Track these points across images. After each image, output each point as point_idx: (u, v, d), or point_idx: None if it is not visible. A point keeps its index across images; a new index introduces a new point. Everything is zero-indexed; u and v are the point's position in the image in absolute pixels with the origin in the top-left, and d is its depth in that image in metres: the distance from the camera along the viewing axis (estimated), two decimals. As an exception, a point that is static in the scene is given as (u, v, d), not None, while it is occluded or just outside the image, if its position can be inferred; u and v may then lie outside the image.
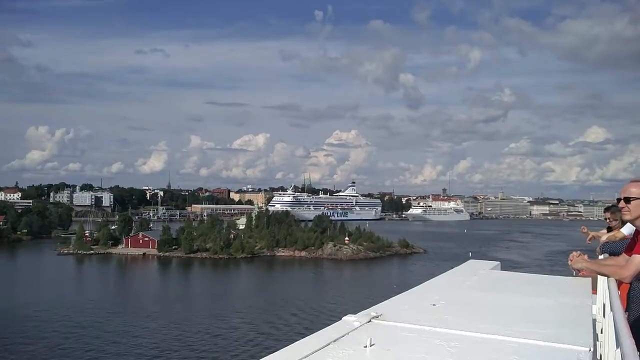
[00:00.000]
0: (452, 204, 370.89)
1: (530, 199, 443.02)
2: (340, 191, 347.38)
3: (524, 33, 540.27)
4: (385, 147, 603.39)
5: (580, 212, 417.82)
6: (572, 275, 5.67)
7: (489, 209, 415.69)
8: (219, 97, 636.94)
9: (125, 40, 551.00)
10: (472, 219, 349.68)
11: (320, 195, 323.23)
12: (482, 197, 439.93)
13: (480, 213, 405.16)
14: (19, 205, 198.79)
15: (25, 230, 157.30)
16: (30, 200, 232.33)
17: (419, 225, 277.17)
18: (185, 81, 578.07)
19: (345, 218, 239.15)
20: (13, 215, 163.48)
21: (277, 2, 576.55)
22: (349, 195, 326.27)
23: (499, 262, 6.60)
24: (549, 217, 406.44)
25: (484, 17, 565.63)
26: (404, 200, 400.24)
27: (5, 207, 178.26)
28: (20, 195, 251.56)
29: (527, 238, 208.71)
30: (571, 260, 5.48)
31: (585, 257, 5.52)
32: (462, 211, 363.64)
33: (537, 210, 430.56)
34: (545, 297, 4.59)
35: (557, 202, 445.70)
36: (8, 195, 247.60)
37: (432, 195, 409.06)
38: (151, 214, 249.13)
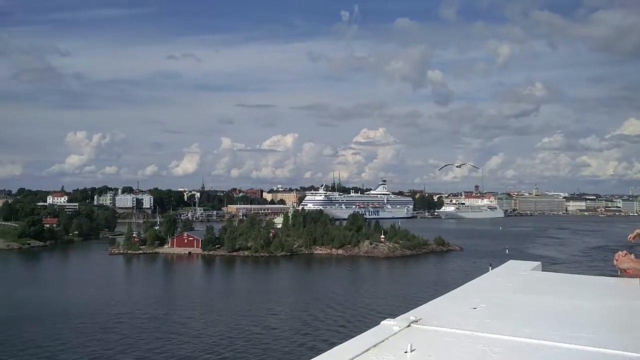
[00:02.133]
0: (485, 201, 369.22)
1: (566, 195, 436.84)
2: (370, 190, 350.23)
3: (554, 26, 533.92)
4: (414, 145, 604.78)
5: (619, 207, 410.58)
6: (618, 275, 5.32)
7: (523, 205, 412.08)
8: (249, 99, 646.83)
9: (158, 46, 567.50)
10: (506, 216, 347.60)
11: (352, 194, 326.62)
12: (515, 193, 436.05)
13: (514, 210, 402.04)
14: (67, 208, 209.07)
15: (76, 232, 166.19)
16: (77, 203, 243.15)
17: (453, 223, 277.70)
18: (216, 84, 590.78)
19: (377, 216, 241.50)
20: (65, 217, 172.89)
21: (304, 4, 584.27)
22: (380, 194, 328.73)
23: (539, 263, 6.32)
24: (585, 213, 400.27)
25: (512, 11, 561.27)
26: (435, 198, 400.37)
27: (57, 210, 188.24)
28: (67, 199, 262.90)
29: (564, 234, 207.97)
30: (617, 260, 5.25)
31: (632, 256, 5.24)
32: (496, 208, 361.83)
33: (573, 206, 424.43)
34: (591, 299, 4.34)
35: (594, 197, 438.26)
36: (56, 198, 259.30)
37: (465, 192, 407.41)
38: (189, 215, 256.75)
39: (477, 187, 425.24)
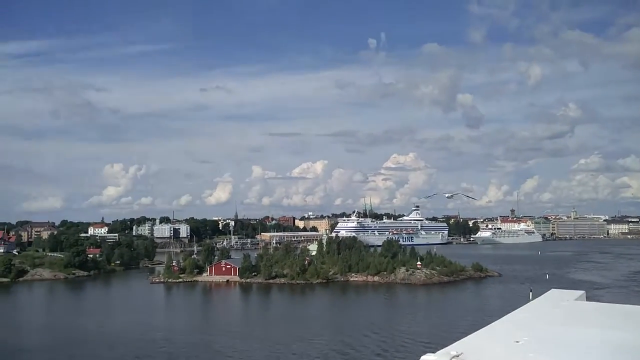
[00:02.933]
0: (522, 226, 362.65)
1: (607, 218, 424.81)
2: (403, 215, 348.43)
3: (586, 45, 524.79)
4: (446, 169, 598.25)
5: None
6: None
7: (561, 229, 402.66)
8: (278, 128, 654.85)
9: (190, 79, 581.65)
10: (544, 241, 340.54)
11: (384, 220, 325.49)
12: (553, 217, 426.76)
13: (552, 234, 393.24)
14: (108, 239, 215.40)
15: (118, 262, 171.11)
16: (116, 234, 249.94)
17: (489, 249, 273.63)
18: (246, 114, 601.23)
19: (411, 243, 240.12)
20: (107, 248, 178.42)
21: (331, 34, 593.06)
22: (414, 220, 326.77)
23: (583, 292, 6.04)
24: (629, 237, 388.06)
25: (542, 32, 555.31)
26: (470, 223, 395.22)
27: (99, 241, 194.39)
28: (107, 230, 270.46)
29: (606, 259, 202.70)
30: None
31: None
32: (533, 232, 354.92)
33: (615, 229, 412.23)
34: None
35: (638, 219, 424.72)
36: (97, 229, 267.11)
37: (500, 217, 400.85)
38: (225, 243, 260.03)
39: (512, 211, 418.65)
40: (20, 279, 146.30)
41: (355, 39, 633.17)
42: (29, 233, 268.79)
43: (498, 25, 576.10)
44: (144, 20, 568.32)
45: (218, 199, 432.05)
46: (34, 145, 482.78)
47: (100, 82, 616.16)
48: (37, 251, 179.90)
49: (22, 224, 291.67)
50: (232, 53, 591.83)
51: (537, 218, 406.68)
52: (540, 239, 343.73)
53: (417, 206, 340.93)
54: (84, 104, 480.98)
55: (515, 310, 5.31)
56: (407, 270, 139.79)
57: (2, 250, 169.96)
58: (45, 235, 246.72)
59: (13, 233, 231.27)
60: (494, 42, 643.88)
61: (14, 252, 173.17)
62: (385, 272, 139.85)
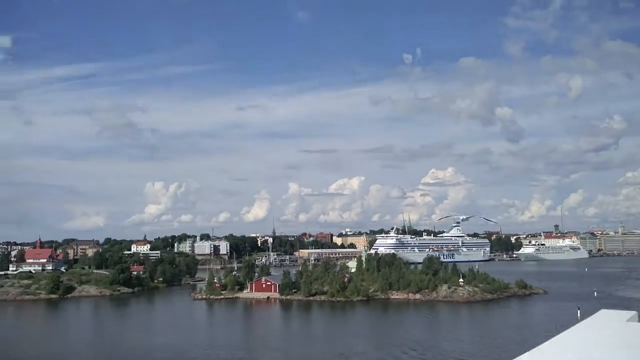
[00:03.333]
0: (567, 241, 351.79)
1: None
2: (443, 232, 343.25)
3: (629, 55, 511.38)
4: (486, 184, 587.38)
5: None
6: None
7: (609, 245, 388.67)
8: (313, 145, 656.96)
9: (227, 98, 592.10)
10: (591, 257, 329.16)
11: (424, 237, 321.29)
12: (599, 232, 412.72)
13: (599, 250, 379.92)
14: (151, 256, 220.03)
15: (161, 279, 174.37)
16: (158, 251, 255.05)
17: (533, 265, 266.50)
18: (282, 132, 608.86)
19: (452, 260, 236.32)
20: (150, 265, 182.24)
21: (366, 50, 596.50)
22: (455, 236, 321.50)
23: (635, 312, 5.64)
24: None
25: (582, 43, 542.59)
26: (513, 239, 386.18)
27: (142, 258, 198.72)
28: (149, 247, 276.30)
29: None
30: None
31: None
32: (579, 249, 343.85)
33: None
34: None
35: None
36: (139, 247, 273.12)
37: (544, 232, 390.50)
38: (264, 260, 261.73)
39: (556, 226, 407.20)
40: (68, 295, 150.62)
41: (390, 55, 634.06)
42: (75, 251, 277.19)
43: (536, 38, 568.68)
44: (183, 43, 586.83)
45: (256, 216, 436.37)
46: (78, 165, 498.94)
47: (142, 103, 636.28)
48: (84, 268, 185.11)
49: (68, 242, 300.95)
50: (268, 72, 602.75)
51: (583, 234, 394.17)
52: (586, 255, 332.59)
53: (458, 222, 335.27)
54: (126, 125, 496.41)
55: (564, 332, 4.97)
56: (449, 288, 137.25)
57: (50, 268, 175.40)
58: (90, 252, 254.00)
59: (60, 251, 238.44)
60: (533, 55, 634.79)
61: (62, 269, 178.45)
62: (426, 290, 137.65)
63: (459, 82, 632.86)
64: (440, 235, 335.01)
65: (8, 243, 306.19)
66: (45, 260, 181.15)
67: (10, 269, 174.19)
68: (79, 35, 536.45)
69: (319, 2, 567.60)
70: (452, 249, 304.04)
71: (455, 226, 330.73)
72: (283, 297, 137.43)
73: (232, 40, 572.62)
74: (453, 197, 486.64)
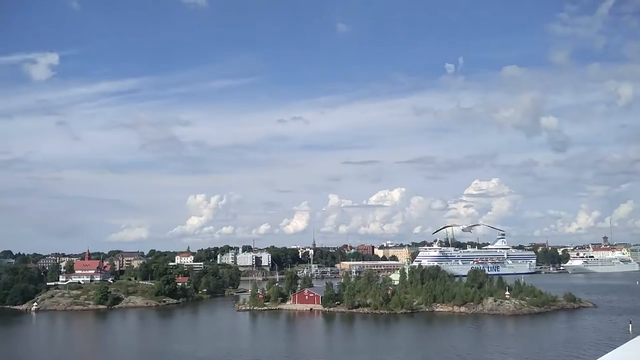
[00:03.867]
0: (617, 254, 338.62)
1: None
2: (488, 244, 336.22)
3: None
4: (531, 195, 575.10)
5: None
6: None
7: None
8: (354, 156, 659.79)
9: (268, 111, 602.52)
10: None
11: (468, 249, 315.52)
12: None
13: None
14: (195, 268, 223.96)
15: (205, 290, 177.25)
16: (202, 263, 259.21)
17: (581, 278, 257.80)
18: (322, 144, 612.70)
19: (497, 272, 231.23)
20: (194, 276, 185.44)
21: (407, 60, 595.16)
22: (499, 248, 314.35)
23: None
24: None
25: (631, 50, 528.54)
26: (559, 252, 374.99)
27: (187, 270, 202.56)
28: (192, 259, 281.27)
29: None
30: None
31: None
32: (629, 261, 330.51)
33: None
34: None
35: None
36: (183, 258, 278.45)
37: (592, 244, 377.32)
38: (305, 272, 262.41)
39: (605, 238, 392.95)
40: (116, 306, 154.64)
41: (431, 65, 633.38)
42: (121, 262, 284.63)
43: (583, 45, 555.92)
44: (226, 57, 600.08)
45: (296, 228, 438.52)
46: (122, 179, 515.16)
47: (185, 117, 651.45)
48: (130, 279, 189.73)
49: (114, 254, 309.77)
50: (309, 84, 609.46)
51: (634, 245, 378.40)
52: (637, 267, 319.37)
53: (503, 234, 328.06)
54: (170, 139, 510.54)
55: (615, 350, 4.65)
56: (495, 301, 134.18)
57: (98, 279, 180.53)
58: (135, 264, 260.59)
59: (107, 262, 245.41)
60: (579, 62, 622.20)
61: (109, 280, 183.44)
62: (472, 303, 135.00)
63: (503, 91, 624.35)
64: (485, 247, 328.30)
65: (57, 254, 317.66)
66: (93, 271, 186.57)
67: (61, 279, 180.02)
68: (123, 51, 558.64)
69: (359, 14, 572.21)
70: (497, 261, 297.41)
71: (500, 238, 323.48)
72: (326, 308, 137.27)
73: (274, 53, 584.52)
74: (497, 208, 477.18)
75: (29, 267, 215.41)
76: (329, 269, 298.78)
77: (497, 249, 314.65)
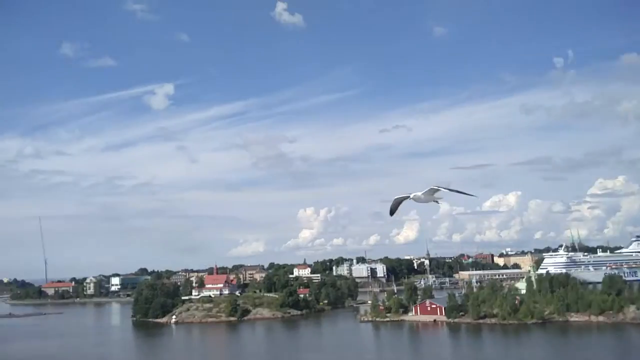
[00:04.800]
0: None
1: None
2: (621, 247, 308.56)
3: None
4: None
5: None
6: None
7: None
8: (463, 161, 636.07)
9: (370, 122, 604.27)
10: None
11: (600, 254, 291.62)
12: None
13: None
14: (313, 279, 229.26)
15: (326, 301, 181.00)
16: (318, 274, 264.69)
17: None
18: (428, 150, 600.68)
19: (636, 278, 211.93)
20: (314, 288, 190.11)
21: (511, 58, 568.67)
22: (636, 252, 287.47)
23: None
24: None
25: None
26: None
27: (307, 282, 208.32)
28: (309, 271, 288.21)
29: None
30: None
31: None
32: None
33: None
34: None
35: None
36: (300, 271, 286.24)
37: None
38: (422, 282, 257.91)
39: None
40: (245, 318, 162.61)
41: (538, 60, 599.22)
42: (244, 275, 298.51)
43: None
44: (325, 72, 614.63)
45: (406, 238, 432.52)
46: (237, 196, 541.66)
47: (291, 134, 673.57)
48: (255, 292, 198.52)
49: (237, 268, 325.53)
50: (409, 91, 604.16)
51: None
52: None
53: (638, 236, 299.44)
54: (278, 155, 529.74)
55: None
56: (639, 309, 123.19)
57: (227, 292, 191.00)
58: (257, 277, 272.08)
59: (233, 276, 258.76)
60: None
61: (237, 293, 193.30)
62: (611, 312, 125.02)
63: (622, 82, 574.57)
64: (619, 251, 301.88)
65: (186, 270, 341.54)
66: (221, 285, 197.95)
67: (193, 293, 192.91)
68: (230, 76, 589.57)
69: (454, 15, 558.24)
70: (634, 266, 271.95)
71: (636, 241, 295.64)
72: (450, 320, 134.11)
73: (371, 64, 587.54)
74: (627, 208, 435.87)
75: (165, 282, 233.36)
76: (447, 279, 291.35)
77: (632, 252, 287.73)
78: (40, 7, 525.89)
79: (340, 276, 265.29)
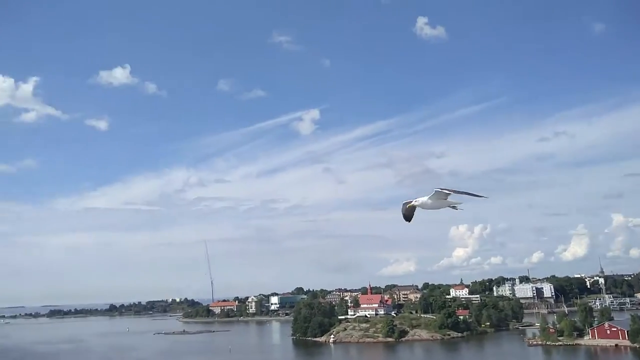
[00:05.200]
0: None
1: None
2: None
3: None
4: None
5: None
6: None
7: None
8: (639, 167, 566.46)
9: (525, 130, 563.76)
10: None
11: None
12: None
13: None
14: (472, 300, 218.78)
15: (488, 323, 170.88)
16: (477, 295, 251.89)
17: None
18: (595, 158, 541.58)
19: None
20: (474, 309, 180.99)
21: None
22: None
23: None
24: None
25: None
26: None
27: (465, 303, 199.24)
28: (467, 291, 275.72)
29: None
30: None
31: None
32: None
33: None
34: None
35: None
36: (457, 291, 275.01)
37: None
38: (597, 303, 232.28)
39: None
40: (402, 339, 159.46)
41: None
42: (397, 295, 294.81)
43: None
44: (469, 83, 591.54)
45: (574, 254, 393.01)
46: (383, 215, 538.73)
47: (438, 149, 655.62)
48: (411, 313, 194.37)
49: (390, 287, 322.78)
50: (567, 96, 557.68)
51: None
52: None
53: None
54: (425, 172, 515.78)
55: None
56: None
57: (382, 312, 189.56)
58: (412, 297, 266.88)
59: (388, 296, 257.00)
60: None
61: (392, 313, 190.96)
62: None
63: None
64: None
65: (339, 289, 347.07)
66: (376, 305, 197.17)
67: (349, 313, 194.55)
68: (372, 97, 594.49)
69: (613, 12, 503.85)
70: None
71: None
72: (636, 345, 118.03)
73: (522, 69, 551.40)
74: None
75: (321, 302, 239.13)
76: (627, 299, 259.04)
77: None
78: (200, 51, 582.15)
79: (501, 297, 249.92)
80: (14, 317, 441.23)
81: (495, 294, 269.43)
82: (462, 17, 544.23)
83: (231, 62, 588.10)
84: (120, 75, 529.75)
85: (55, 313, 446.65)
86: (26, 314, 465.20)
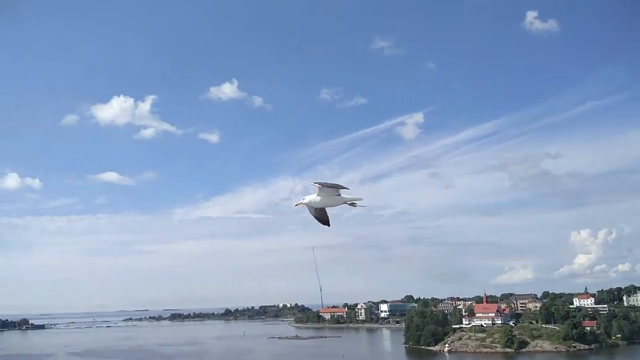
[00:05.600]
0: None
1: None
2: None
3: None
4: None
5: None
6: None
7: None
8: None
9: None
10: None
11: None
12: None
13: None
14: (600, 311, 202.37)
15: (619, 335, 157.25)
16: (605, 305, 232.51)
17: None
18: None
19: None
20: (603, 320, 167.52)
21: None
22: None
23: None
24: None
25: None
26: None
27: (592, 313, 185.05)
28: (593, 300, 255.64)
29: None
30: None
31: None
32: None
33: None
34: None
35: None
36: (582, 300, 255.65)
37: None
38: None
39: None
40: (522, 350, 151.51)
41: None
42: (515, 305, 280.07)
43: None
44: (585, 78, 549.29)
45: None
46: (497, 220, 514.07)
47: (554, 149, 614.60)
48: (531, 323, 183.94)
49: (507, 296, 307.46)
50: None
51: None
52: None
53: None
54: (541, 174, 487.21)
55: None
56: None
57: (499, 322, 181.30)
58: (531, 306, 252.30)
59: (505, 305, 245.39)
60: None
61: (510, 323, 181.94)
62: None
63: None
64: None
65: (452, 298, 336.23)
66: (493, 314, 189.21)
67: (464, 322, 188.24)
68: (479, 98, 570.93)
69: None
70: None
71: None
72: None
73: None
74: None
75: (433, 310, 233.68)
76: None
77: None
78: (302, 62, 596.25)
79: (633, 307, 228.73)
80: (140, 319, 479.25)
81: (625, 303, 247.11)
82: (575, 8, 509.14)
83: (333, 72, 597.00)
84: (228, 90, 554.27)
85: (176, 316, 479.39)
86: (150, 317, 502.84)
